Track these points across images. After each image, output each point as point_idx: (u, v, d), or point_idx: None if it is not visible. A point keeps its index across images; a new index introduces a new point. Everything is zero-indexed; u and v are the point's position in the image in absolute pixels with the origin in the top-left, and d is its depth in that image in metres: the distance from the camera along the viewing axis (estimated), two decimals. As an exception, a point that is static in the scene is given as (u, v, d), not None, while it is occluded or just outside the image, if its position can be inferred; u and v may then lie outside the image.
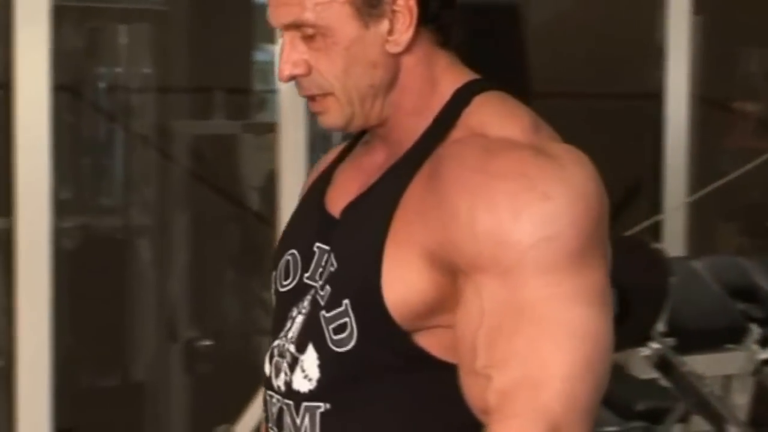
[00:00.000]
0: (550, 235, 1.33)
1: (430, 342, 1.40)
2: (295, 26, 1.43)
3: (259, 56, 5.36)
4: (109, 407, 4.19)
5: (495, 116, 1.43)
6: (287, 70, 1.44)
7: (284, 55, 1.44)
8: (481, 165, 1.36)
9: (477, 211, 1.35)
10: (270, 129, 4.22)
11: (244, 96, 5.30)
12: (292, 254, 1.52)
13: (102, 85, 4.89)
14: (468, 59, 2.68)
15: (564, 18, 5.11)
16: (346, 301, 1.42)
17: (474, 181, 1.36)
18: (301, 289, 1.49)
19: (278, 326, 1.51)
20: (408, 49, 1.44)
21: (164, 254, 4.89)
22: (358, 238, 1.44)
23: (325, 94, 1.45)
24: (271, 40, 4.64)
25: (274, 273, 1.55)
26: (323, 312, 1.44)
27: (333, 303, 1.44)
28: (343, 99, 1.45)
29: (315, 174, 1.62)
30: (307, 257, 1.50)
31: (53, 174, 3.37)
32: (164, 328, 4.82)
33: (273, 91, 6.03)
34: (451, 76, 1.47)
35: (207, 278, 5.04)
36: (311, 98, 1.47)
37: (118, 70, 4.76)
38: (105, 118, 4.61)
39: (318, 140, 3.85)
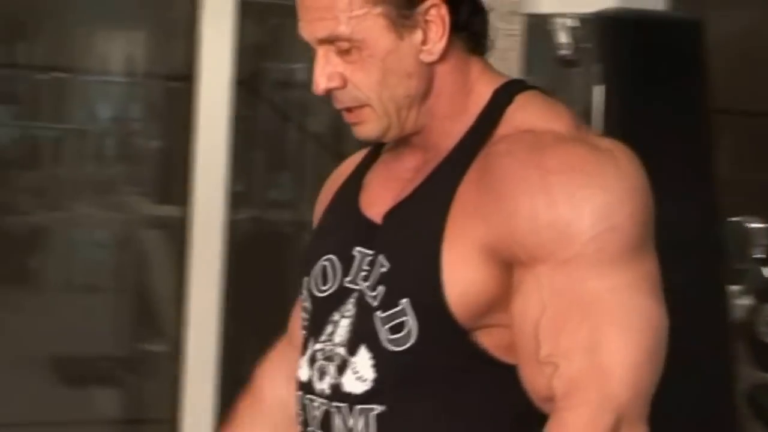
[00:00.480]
0: (611, 227, 1.36)
1: (487, 341, 1.42)
2: (330, 40, 1.44)
3: None
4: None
5: (539, 112, 1.46)
6: (323, 84, 1.45)
7: (318, 68, 1.45)
8: (537, 160, 1.39)
9: (537, 205, 1.37)
10: None
11: None
12: (330, 259, 1.52)
13: (280, 80, 4.96)
14: (647, 72, 2.63)
15: (750, 33, 4.97)
16: (404, 300, 1.43)
17: (531, 176, 1.38)
18: (342, 294, 1.50)
19: (316, 330, 1.51)
20: (441, 57, 1.46)
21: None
22: (411, 238, 1.45)
23: (362, 106, 1.46)
24: None
25: (306, 278, 1.55)
26: (377, 312, 1.45)
27: (389, 302, 1.44)
28: (379, 110, 1.46)
29: (336, 182, 1.63)
30: (346, 262, 1.50)
31: (229, 166, 3.44)
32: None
33: None
34: (487, 79, 1.50)
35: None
36: (347, 110, 1.48)
37: (299, 66, 4.82)
38: (280, 114, 4.66)
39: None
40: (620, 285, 1.36)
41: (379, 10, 1.42)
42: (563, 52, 2.80)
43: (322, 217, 1.62)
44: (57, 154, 5.04)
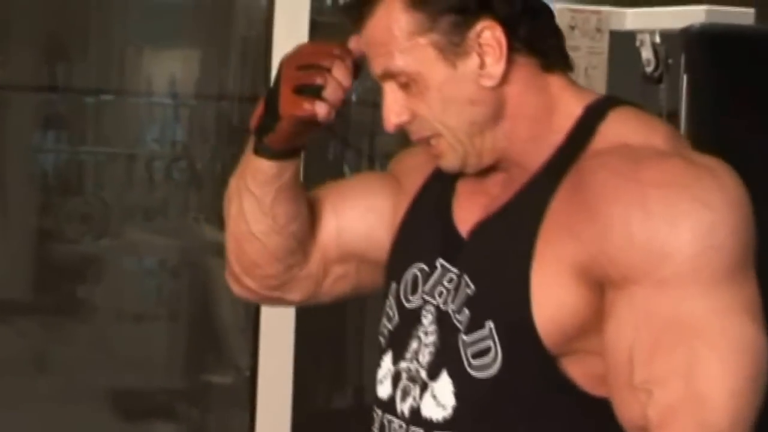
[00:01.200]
0: (711, 246, 1.31)
1: (575, 370, 1.38)
2: (390, 75, 1.44)
3: None
4: (343, 428, 4.22)
5: (635, 127, 1.42)
6: (393, 119, 1.44)
7: (387, 105, 1.45)
8: (633, 173, 1.35)
9: (632, 220, 1.33)
10: None
11: None
12: (421, 268, 1.50)
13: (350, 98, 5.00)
14: (735, 88, 2.61)
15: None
16: (490, 324, 1.40)
17: (627, 189, 1.34)
18: (422, 307, 1.48)
19: (401, 345, 1.49)
20: (506, 79, 1.43)
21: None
22: (499, 257, 1.42)
23: (437, 136, 1.45)
24: None
25: (394, 284, 1.53)
26: (462, 335, 1.42)
27: (474, 326, 1.41)
28: (451, 139, 1.44)
29: (419, 173, 1.59)
30: (428, 272, 1.49)
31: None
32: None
33: None
34: (572, 96, 1.46)
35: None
36: (425, 142, 1.47)
37: (368, 84, 4.84)
38: (340, 137, 4.72)
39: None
40: (719, 308, 1.31)
41: (425, 40, 1.41)
42: (648, 68, 2.82)
43: (409, 212, 1.58)
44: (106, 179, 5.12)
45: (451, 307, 1.44)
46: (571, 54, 2.87)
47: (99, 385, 4.10)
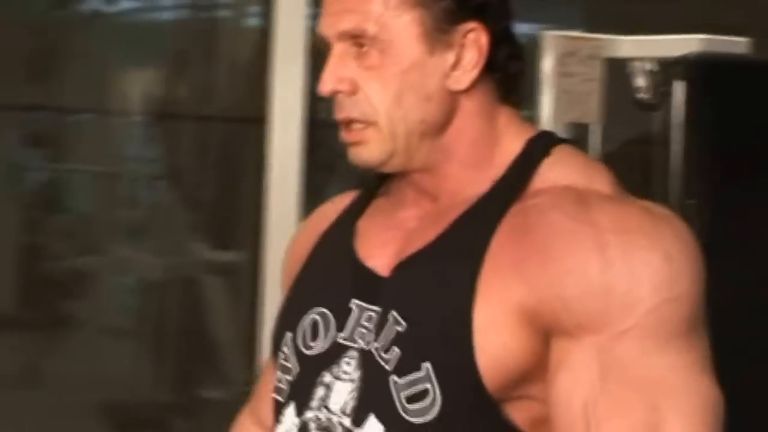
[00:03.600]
0: (673, 297, 1.24)
1: (519, 415, 1.29)
2: (352, 36, 1.31)
3: None
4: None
5: (579, 168, 1.34)
6: (330, 84, 1.32)
7: (330, 66, 1.32)
8: (588, 217, 1.27)
9: (590, 267, 1.25)
10: None
11: None
12: (321, 312, 1.38)
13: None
14: (731, 116, 2.64)
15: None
16: (426, 365, 1.29)
17: (583, 233, 1.26)
18: (335, 351, 1.36)
19: (305, 394, 1.36)
20: (468, 91, 1.34)
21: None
22: (434, 295, 1.31)
23: (366, 124, 1.33)
24: None
25: (289, 334, 1.40)
26: (393, 377, 1.30)
27: (407, 367, 1.30)
28: (385, 130, 1.32)
29: (317, 227, 1.48)
30: (341, 316, 1.36)
31: (302, 209, 3.44)
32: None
33: None
34: (516, 129, 1.37)
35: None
36: (347, 124, 1.34)
37: None
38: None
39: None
40: (681, 363, 1.24)
41: (415, 14, 1.30)
42: (642, 95, 2.83)
43: (304, 265, 1.46)
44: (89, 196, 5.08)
45: (374, 346, 1.32)
46: (565, 80, 2.89)
47: (89, 400, 4.08)
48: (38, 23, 4.85)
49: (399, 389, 1.29)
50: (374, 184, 1.46)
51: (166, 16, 4.75)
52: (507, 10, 1.37)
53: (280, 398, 1.41)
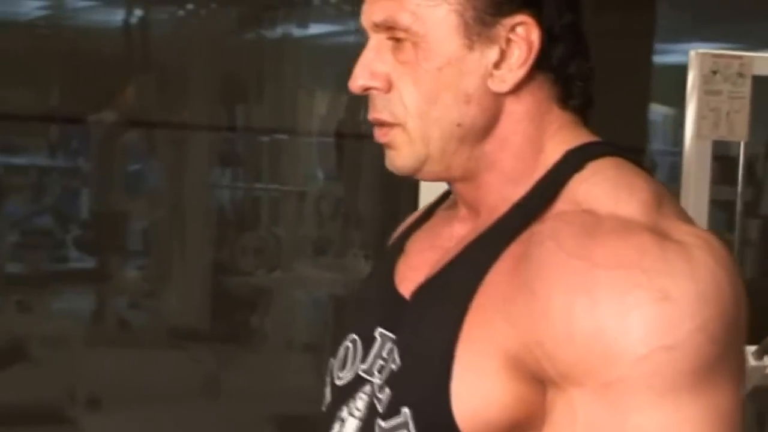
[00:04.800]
0: (669, 345, 1.10)
1: None
2: (387, 27, 1.21)
3: (654, 116, 5.68)
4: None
5: (609, 187, 1.19)
6: (362, 79, 1.21)
7: (364, 59, 1.22)
8: (585, 250, 1.13)
9: (575, 309, 1.12)
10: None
11: (639, 156, 5.49)
12: (353, 340, 1.30)
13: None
14: None
15: None
16: (406, 410, 1.19)
17: (572, 269, 1.13)
18: (355, 385, 1.27)
19: (326, 427, 1.30)
20: (515, 92, 1.21)
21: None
22: (426, 331, 1.20)
23: (399, 126, 1.22)
24: (666, 99, 4.68)
25: (331, 361, 1.34)
26: (379, 421, 1.21)
27: (391, 410, 1.21)
28: (414, 133, 1.21)
29: (393, 239, 1.42)
30: (367, 344, 1.28)
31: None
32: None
33: (668, 153, 6.22)
34: (564, 137, 1.23)
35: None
36: (380, 126, 1.24)
37: None
38: None
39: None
40: (676, 422, 1.10)
41: (454, 6, 1.19)
42: None
43: (362, 282, 1.41)
44: (279, 215, 5.43)
45: (377, 382, 1.25)
46: (712, 98, 3.00)
47: (266, 412, 4.29)
48: (231, 48, 5.23)
49: None
50: (440, 198, 1.37)
51: (355, 39, 4.96)
52: (571, 3, 1.23)
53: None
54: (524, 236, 1.17)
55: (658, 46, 5.44)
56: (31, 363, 4.58)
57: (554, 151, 1.21)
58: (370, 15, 1.22)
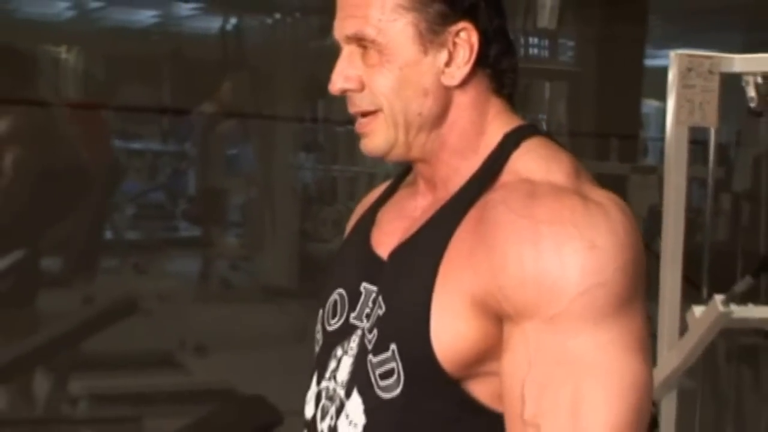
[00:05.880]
0: (598, 283, 1.26)
1: (480, 390, 1.32)
2: (356, 38, 1.36)
3: (647, 108, 5.99)
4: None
5: (540, 160, 1.36)
6: (339, 83, 1.36)
7: (338, 67, 1.36)
8: (528, 210, 1.29)
9: (524, 258, 1.27)
10: (653, 171, 4.71)
11: (632, 142, 5.82)
12: (340, 293, 1.43)
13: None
14: None
15: None
16: (393, 346, 1.33)
17: (520, 226, 1.28)
18: (347, 329, 1.40)
19: (322, 366, 1.43)
20: (462, 86, 1.36)
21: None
22: (406, 283, 1.34)
23: (375, 112, 1.36)
24: (657, 95, 5.08)
25: (321, 311, 1.46)
26: (370, 356, 1.35)
27: (380, 347, 1.34)
28: (389, 120, 1.36)
29: (360, 212, 1.54)
30: (353, 297, 1.41)
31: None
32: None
33: (657, 139, 6.46)
34: (501, 121, 1.39)
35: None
36: (361, 116, 1.38)
37: (542, 116, 5.47)
38: None
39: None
40: (606, 342, 1.26)
41: (410, 18, 1.34)
42: (752, 104, 2.94)
43: (339, 248, 1.53)
44: (353, 192, 5.80)
45: (365, 326, 1.37)
46: (688, 91, 2.93)
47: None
48: (312, 51, 5.55)
49: (374, 367, 1.34)
50: (402, 175, 1.52)
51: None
52: (498, 10, 1.40)
53: (313, 366, 1.48)
54: (480, 203, 1.32)
55: (649, 51, 5.85)
56: (146, 316, 4.66)
57: (495, 133, 1.37)
58: (342, 29, 1.36)
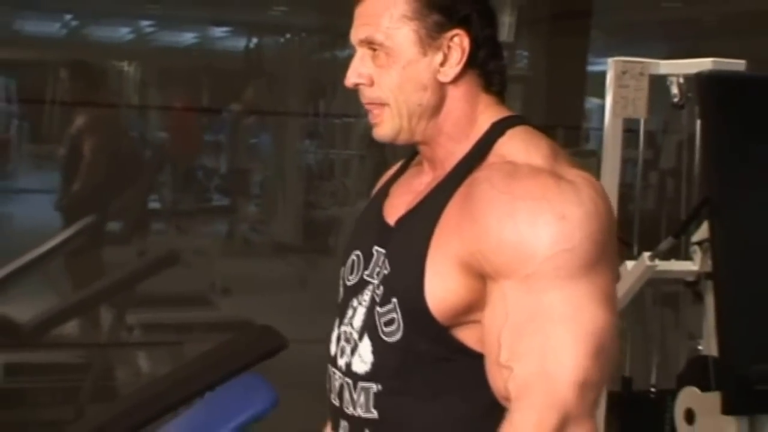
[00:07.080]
0: (566, 248, 1.32)
1: (467, 335, 1.40)
2: (368, 42, 1.44)
3: (589, 104, 6.40)
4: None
5: (522, 145, 1.42)
6: (353, 78, 1.45)
7: (354, 65, 1.45)
8: (508, 188, 1.36)
9: (503, 227, 1.34)
10: (593, 154, 5.02)
11: (576, 131, 6.36)
12: (357, 254, 1.52)
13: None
14: (732, 114, 2.88)
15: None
16: (394, 300, 1.43)
17: (501, 200, 1.35)
18: (362, 284, 1.49)
19: (342, 313, 1.51)
20: (455, 82, 1.44)
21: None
22: (406, 246, 1.43)
23: (382, 104, 1.44)
24: (597, 93, 5.28)
25: (342, 269, 1.54)
26: (377, 308, 1.45)
27: (385, 300, 1.44)
28: (394, 110, 1.44)
29: (378, 187, 1.61)
30: (367, 257, 1.50)
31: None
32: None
33: (598, 129, 6.42)
34: (490, 113, 1.46)
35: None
36: (371, 108, 1.46)
37: None
38: None
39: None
40: (573, 297, 1.33)
41: (412, 26, 1.42)
42: (675, 99, 3.23)
43: (360, 215, 1.61)
44: (347, 170, 6.22)
45: (375, 282, 1.46)
46: (623, 90, 3.19)
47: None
48: (315, 61, 6.16)
49: (380, 316, 1.43)
50: (412, 157, 1.58)
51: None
52: (490, 21, 1.47)
53: (337, 314, 1.55)
54: (468, 181, 1.41)
55: (591, 59, 6.28)
56: (185, 266, 5.07)
57: (484, 122, 1.46)
58: (356, 35, 1.46)
